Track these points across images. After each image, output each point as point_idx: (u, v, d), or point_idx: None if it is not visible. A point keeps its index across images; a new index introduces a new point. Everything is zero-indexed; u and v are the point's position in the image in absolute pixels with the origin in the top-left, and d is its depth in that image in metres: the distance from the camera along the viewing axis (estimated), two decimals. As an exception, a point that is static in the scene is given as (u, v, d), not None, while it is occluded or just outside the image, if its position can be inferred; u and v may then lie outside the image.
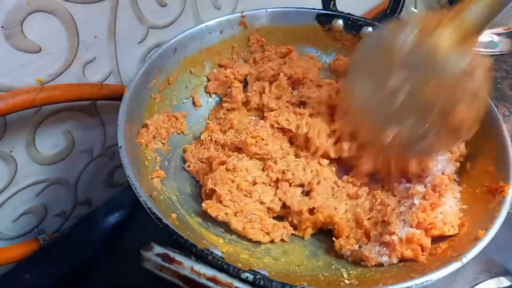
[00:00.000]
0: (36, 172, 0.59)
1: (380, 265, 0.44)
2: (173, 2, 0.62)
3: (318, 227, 0.51)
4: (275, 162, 0.53)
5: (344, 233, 0.48)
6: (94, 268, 0.56)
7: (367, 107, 0.50)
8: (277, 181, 0.53)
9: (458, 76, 0.41)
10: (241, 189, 0.50)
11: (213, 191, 0.49)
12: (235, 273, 0.33)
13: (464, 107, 0.42)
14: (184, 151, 0.57)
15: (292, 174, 0.52)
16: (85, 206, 0.70)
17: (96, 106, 0.61)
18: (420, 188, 0.49)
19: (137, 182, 0.42)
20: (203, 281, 0.31)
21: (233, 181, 0.50)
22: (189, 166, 0.56)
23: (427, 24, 0.43)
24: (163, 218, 0.38)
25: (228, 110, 0.62)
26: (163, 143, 0.55)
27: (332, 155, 0.54)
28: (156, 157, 0.53)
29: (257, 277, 0.33)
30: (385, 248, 0.44)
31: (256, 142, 0.53)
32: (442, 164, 0.50)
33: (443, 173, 0.50)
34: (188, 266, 0.31)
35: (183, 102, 0.62)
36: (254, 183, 0.52)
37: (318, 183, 0.52)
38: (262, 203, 0.50)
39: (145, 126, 0.53)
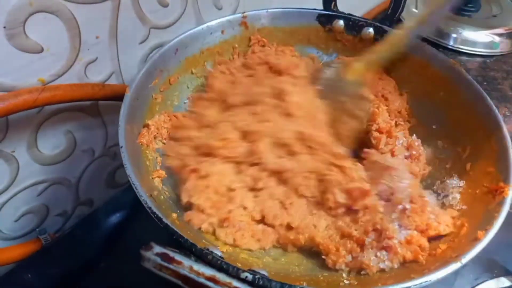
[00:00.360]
0: (38, 172, 0.59)
1: (380, 266, 0.44)
2: (175, 2, 0.62)
3: (300, 247, 0.48)
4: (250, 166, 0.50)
5: (331, 250, 0.45)
6: (95, 268, 0.56)
7: None
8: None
9: (351, 97, 0.56)
10: (220, 194, 0.47)
11: (191, 204, 0.47)
12: (235, 273, 0.33)
13: (348, 121, 0.55)
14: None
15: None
16: (87, 206, 0.70)
17: (98, 106, 0.61)
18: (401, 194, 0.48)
19: (138, 181, 0.42)
20: (202, 280, 0.31)
21: (208, 187, 0.47)
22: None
23: (347, 62, 0.59)
24: (163, 217, 0.39)
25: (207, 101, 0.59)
26: (164, 143, 0.55)
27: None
28: (157, 157, 0.53)
29: (257, 276, 0.34)
30: (384, 253, 0.44)
31: (224, 144, 0.50)
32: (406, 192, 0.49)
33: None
34: (188, 265, 0.31)
35: (184, 102, 0.62)
36: (232, 189, 0.49)
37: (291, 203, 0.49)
38: (245, 208, 0.48)
39: (146, 126, 0.53)
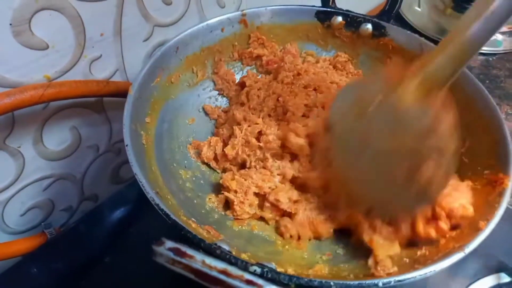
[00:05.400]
0: (43, 168, 0.59)
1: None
2: (178, 0, 0.62)
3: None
4: None
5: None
6: (100, 262, 0.56)
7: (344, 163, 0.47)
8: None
9: (420, 133, 0.39)
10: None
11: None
12: (243, 267, 0.34)
13: (430, 165, 0.39)
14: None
15: None
16: (91, 201, 0.71)
17: (102, 102, 0.62)
18: None
19: (144, 179, 0.42)
20: (215, 274, 0.31)
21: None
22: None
23: (392, 78, 0.40)
24: (171, 214, 0.39)
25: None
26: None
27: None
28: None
29: (265, 270, 0.34)
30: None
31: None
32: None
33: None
34: (200, 259, 0.32)
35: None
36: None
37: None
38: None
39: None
